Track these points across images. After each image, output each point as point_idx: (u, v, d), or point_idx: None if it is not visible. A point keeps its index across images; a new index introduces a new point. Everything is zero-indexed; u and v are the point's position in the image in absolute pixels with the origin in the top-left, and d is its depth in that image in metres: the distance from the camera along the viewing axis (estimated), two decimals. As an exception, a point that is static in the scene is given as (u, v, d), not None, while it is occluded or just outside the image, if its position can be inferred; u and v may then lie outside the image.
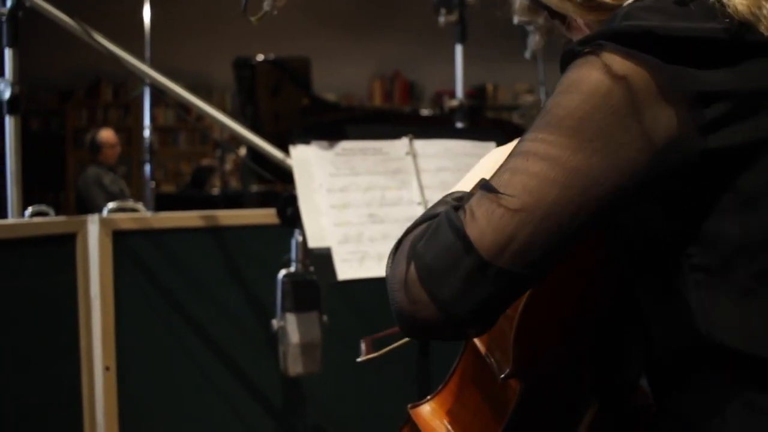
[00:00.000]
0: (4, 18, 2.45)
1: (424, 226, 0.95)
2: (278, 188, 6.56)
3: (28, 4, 2.51)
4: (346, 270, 1.97)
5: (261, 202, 6.36)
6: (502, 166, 0.94)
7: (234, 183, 9.04)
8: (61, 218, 2.60)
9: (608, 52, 0.92)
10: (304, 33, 7.67)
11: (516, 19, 2.30)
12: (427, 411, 1.33)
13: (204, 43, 9.04)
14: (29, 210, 2.55)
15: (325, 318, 2.24)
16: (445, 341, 0.98)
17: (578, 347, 1.22)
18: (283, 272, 2.23)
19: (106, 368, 2.58)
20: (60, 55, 8.76)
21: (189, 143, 10.41)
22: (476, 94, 10.24)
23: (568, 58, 0.97)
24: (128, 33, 2.36)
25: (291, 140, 2.02)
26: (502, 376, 1.15)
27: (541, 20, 2.21)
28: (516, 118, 10.14)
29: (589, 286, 1.17)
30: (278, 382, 2.83)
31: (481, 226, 0.89)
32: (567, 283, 1.13)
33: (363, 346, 1.58)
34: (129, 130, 9.74)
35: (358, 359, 1.56)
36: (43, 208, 2.58)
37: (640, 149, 0.90)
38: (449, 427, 1.30)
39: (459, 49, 3.52)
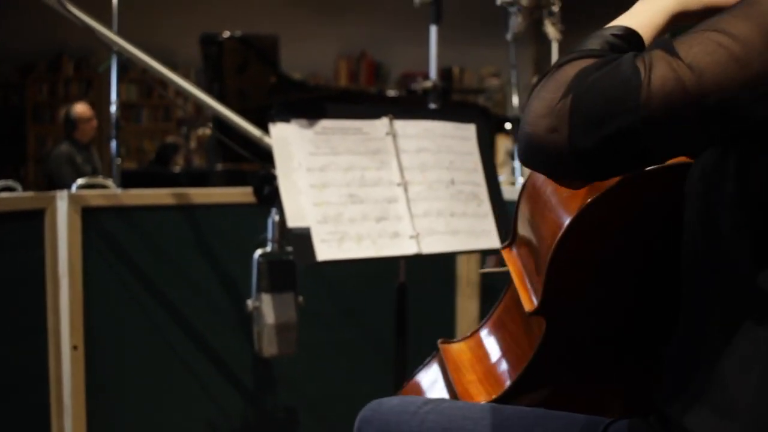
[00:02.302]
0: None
1: (597, 61, 0.92)
2: (244, 167, 6.51)
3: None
4: (325, 251, 1.94)
5: (226, 180, 6.30)
6: (689, 33, 0.91)
7: (197, 161, 8.95)
8: (29, 194, 2.55)
9: None
10: (270, 11, 7.61)
11: (499, 0, 2.29)
12: (456, 348, 1.38)
13: (170, 19, 8.93)
14: (-4, 185, 2.50)
15: (300, 299, 2.22)
16: (553, 178, 0.99)
17: (612, 299, 1.21)
18: (258, 252, 2.20)
19: (74, 347, 2.53)
20: (21, 28, 8.61)
21: (152, 120, 10.28)
22: (443, 76, 10.21)
23: None
24: (94, 7, 2.30)
25: (270, 118, 1.99)
26: (531, 309, 1.15)
27: (525, 2, 2.20)
28: (482, 101, 10.17)
29: (633, 229, 1.16)
30: (250, 362, 2.80)
31: (653, 90, 0.87)
32: (608, 225, 1.12)
33: (489, 262, 1.61)
34: (91, 105, 9.57)
35: (481, 270, 1.59)
36: (10, 183, 2.53)
37: None
38: (474, 366, 1.32)
39: (434, 30, 3.48)
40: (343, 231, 1.98)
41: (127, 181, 4.27)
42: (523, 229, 1.24)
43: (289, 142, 2.00)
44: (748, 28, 0.88)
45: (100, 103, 9.29)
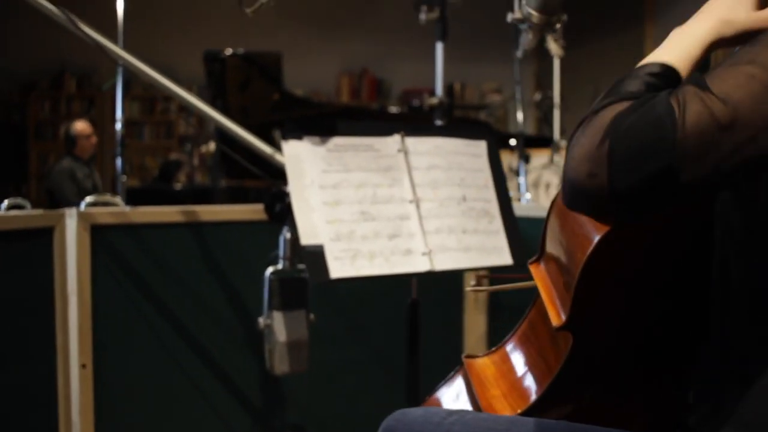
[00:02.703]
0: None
1: (633, 103, 0.94)
2: (247, 184, 6.51)
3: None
4: (338, 268, 1.94)
5: (230, 197, 6.30)
6: (721, 67, 0.93)
7: (200, 177, 8.95)
8: (38, 212, 2.54)
9: None
10: (272, 29, 7.62)
11: (510, 18, 2.30)
12: (480, 363, 1.37)
13: (173, 36, 8.97)
14: (5, 203, 2.49)
15: (311, 316, 2.21)
16: (598, 220, 1.03)
17: (640, 315, 1.21)
18: (270, 269, 2.19)
19: (83, 366, 2.52)
20: (23, 46, 8.64)
21: (154, 137, 10.29)
22: (446, 92, 10.24)
23: None
24: (99, 25, 2.30)
25: (282, 135, 1.99)
26: (559, 325, 1.15)
27: (535, 19, 2.20)
28: (484, 117, 10.18)
29: (662, 245, 1.16)
30: (259, 381, 2.79)
31: (688, 127, 0.89)
32: (639, 241, 1.12)
33: (475, 280, 1.61)
34: (93, 123, 9.59)
35: (468, 288, 1.58)
36: (20, 201, 2.52)
37: None
38: (498, 381, 1.32)
39: (440, 47, 3.50)
40: (356, 248, 1.97)
41: (131, 198, 4.28)
42: (552, 245, 1.24)
43: (302, 160, 2.00)
44: None
45: (102, 121, 9.31)
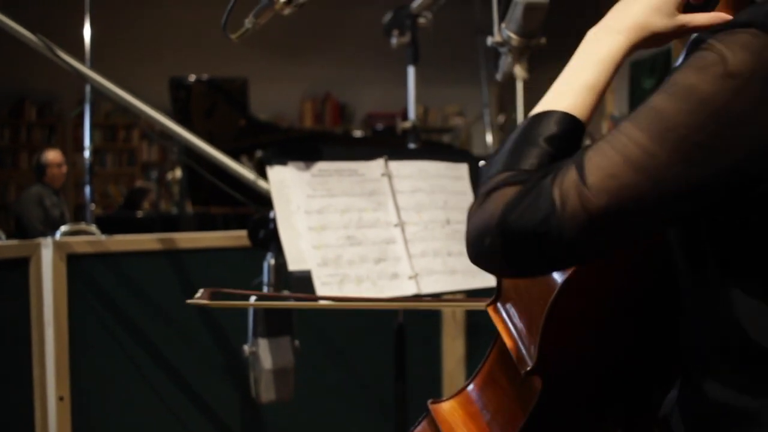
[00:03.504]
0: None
1: (521, 190, 0.96)
2: (213, 210, 6.47)
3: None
4: (326, 293, 1.93)
5: (197, 224, 6.25)
6: (605, 142, 0.95)
7: (163, 205, 8.88)
8: (13, 242, 2.51)
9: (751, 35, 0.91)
10: (235, 54, 7.60)
11: (489, 41, 2.31)
12: (447, 408, 1.33)
13: (138, 63, 8.91)
14: (-21, 234, 2.45)
15: (297, 343, 2.19)
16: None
17: (608, 352, 1.20)
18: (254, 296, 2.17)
19: (60, 398, 2.47)
20: (-18, 74, 8.54)
21: (116, 165, 10.20)
22: (405, 116, 10.27)
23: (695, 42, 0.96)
24: (65, 52, 2.27)
25: (268, 161, 1.98)
26: (526, 370, 1.13)
27: (515, 42, 2.22)
28: (447, 140, 10.24)
29: (626, 286, 1.16)
30: (241, 409, 2.76)
31: (567, 225, 0.92)
32: (602, 279, 1.12)
33: (201, 293, 1.58)
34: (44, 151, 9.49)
35: (189, 300, 1.55)
36: (-6, 231, 2.48)
37: None
38: (467, 425, 1.29)
39: (411, 71, 3.50)
40: (343, 273, 1.97)
41: (98, 227, 4.23)
42: (510, 288, 1.23)
43: (287, 185, 1.99)
44: (649, 139, 0.92)
45: (63, 149, 9.20)
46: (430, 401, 1.35)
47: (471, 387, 1.33)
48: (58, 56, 2.13)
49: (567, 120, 1.01)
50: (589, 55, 1.06)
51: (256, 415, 2.77)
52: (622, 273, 1.14)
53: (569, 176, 0.93)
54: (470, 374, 1.37)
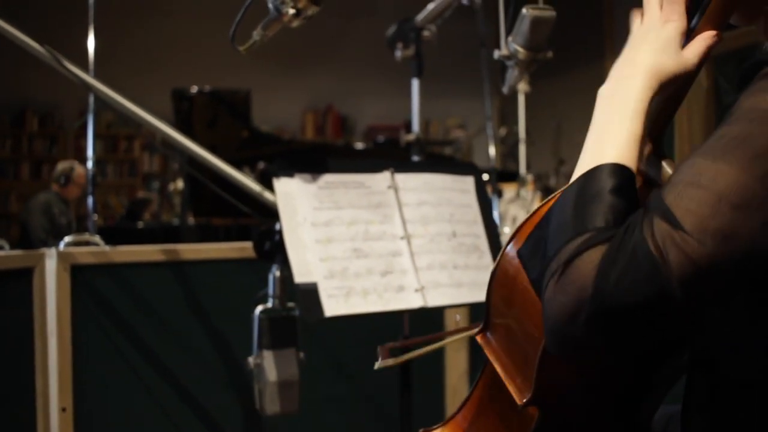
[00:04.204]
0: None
1: (609, 250, 0.88)
2: (215, 222, 6.47)
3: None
4: (332, 306, 1.92)
5: (198, 235, 6.25)
6: (684, 185, 0.88)
7: (164, 215, 8.88)
8: (18, 252, 2.50)
9: None
10: (238, 66, 7.61)
11: (496, 55, 2.32)
12: None
13: (141, 74, 8.92)
14: (-17, 244, 2.44)
15: (302, 355, 2.19)
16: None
17: (605, 381, 1.19)
18: (260, 308, 2.17)
19: (63, 409, 2.47)
20: (-16, 84, 8.56)
21: (117, 175, 10.21)
22: (408, 128, 10.28)
23: (755, 68, 0.92)
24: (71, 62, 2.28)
25: (274, 173, 1.98)
26: (523, 401, 1.11)
27: (522, 55, 2.22)
28: (449, 153, 10.25)
29: None
30: (244, 421, 2.75)
31: (676, 281, 0.85)
32: None
33: (379, 352, 1.54)
34: (55, 161, 9.50)
35: (376, 366, 1.51)
36: (-2, 241, 2.48)
37: None
38: None
39: (416, 84, 3.50)
40: (350, 286, 1.96)
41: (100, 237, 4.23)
42: (500, 316, 1.19)
43: (294, 197, 1.99)
44: (740, 170, 0.86)
45: (65, 159, 9.20)
46: (421, 430, 1.33)
47: (461, 415, 1.31)
48: (65, 67, 2.13)
49: (620, 169, 0.96)
50: (614, 107, 1.01)
51: (260, 427, 2.76)
52: None
53: (659, 227, 0.86)
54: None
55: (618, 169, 0.96)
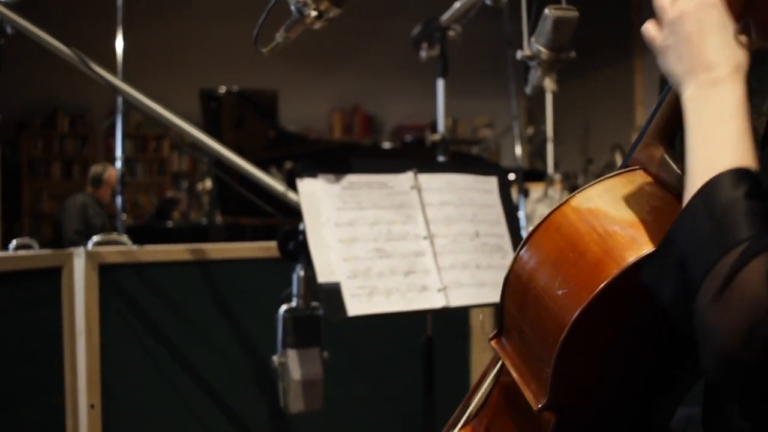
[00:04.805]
0: (-16, 46, 2.40)
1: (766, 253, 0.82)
2: (243, 221, 6.51)
3: (9, 31, 2.45)
4: (355, 305, 1.94)
5: (227, 234, 6.30)
6: None
7: (193, 215, 8.95)
8: (47, 251, 2.54)
9: None
10: (265, 66, 7.66)
11: (519, 55, 2.32)
12: None
13: (169, 74, 9.00)
14: (13, 243, 2.48)
15: (325, 354, 2.20)
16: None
17: (622, 384, 1.19)
18: (284, 307, 2.19)
19: (91, 406, 2.50)
20: (16, 85, 8.65)
21: (147, 174, 10.30)
22: (435, 128, 10.28)
23: None
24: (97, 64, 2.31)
25: (298, 174, 1.99)
26: (539, 407, 1.11)
27: (544, 56, 2.22)
28: (476, 152, 10.24)
29: (644, 323, 1.13)
30: (269, 419, 2.77)
31: None
32: (616, 311, 1.07)
33: None
34: (85, 161, 9.62)
35: None
36: (27, 240, 2.51)
37: None
38: None
39: (441, 84, 3.51)
40: (373, 285, 1.98)
41: (129, 236, 4.28)
42: (514, 321, 1.18)
43: (317, 197, 2.00)
44: None
45: (95, 159, 9.31)
46: None
47: (478, 419, 1.31)
48: (91, 69, 2.16)
49: (743, 172, 0.90)
50: (716, 113, 0.95)
51: (284, 425, 2.79)
52: (637, 303, 1.08)
53: None
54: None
55: (743, 173, 0.90)
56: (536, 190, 5.68)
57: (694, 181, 0.93)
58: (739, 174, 0.90)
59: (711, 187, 0.90)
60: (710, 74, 0.97)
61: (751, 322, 0.81)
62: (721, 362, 0.84)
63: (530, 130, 7.81)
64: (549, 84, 4.73)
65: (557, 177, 6.14)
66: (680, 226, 0.92)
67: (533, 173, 6.81)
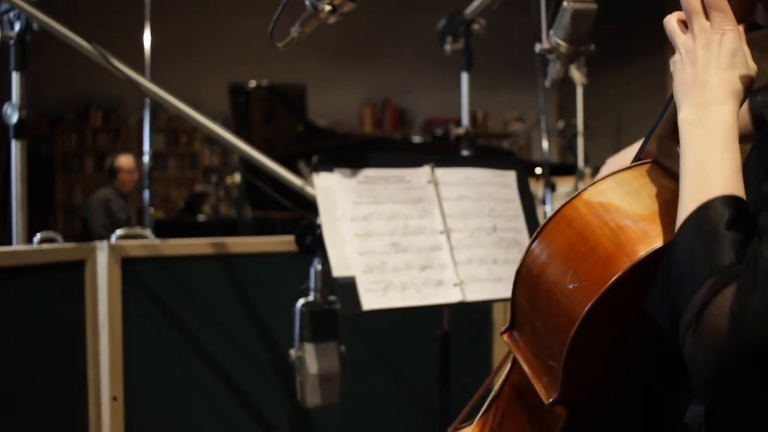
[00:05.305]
0: (12, 42, 2.43)
1: (733, 292, 0.83)
2: (272, 215, 6.54)
3: (36, 27, 2.48)
4: (370, 300, 1.94)
5: (256, 228, 6.33)
6: None
7: (224, 209, 9.00)
8: (70, 245, 2.56)
9: None
10: (295, 60, 7.69)
11: (538, 48, 2.31)
12: None
13: (198, 69, 9.05)
14: (37, 237, 2.51)
15: (342, 348, 2.21)
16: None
17: (633, 378, 1.18)
18: (301, 301, 2.19)
19: (114, 398, 2.52)
20: (50, 80, 8.76)
21: (178, 169, 10.38)
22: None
23: None
24: (126, 60, 2.32)
25: (314, 168, 2.00)
26: (550, 401, 1.11)
27: (563, 49, 2.21)
28: (507, 146, 10.20)
29: None
30: (288, 412, 2.78)
31: None
32: (626, 306, 1.07)
33: None
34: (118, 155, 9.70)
35: None
36: (51, 234, 2.54)
37: None
38: None
39: (465, 77, 3.50)
40: (388, 280, 1.98)
41: (158, 230, 4.32)
42: (525, 315, 1.19)
43: (333, 192, 2.01)
44: None
45: (128, 153, 9.39)
46: (449, 429, 1.33)
47: (490, 413, 1.31)
48: (112, 64, 2.18)
49: (731, 199, 0.91)
50: (708, 139, 0.97)
51: (301, 418, 2.80)
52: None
53: None
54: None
55: (729, 199, 0.91)
56: (566, 184, 5.64)
57: (684, 208, 0.95)
58: (725, 201, 0.91)
59: (699, 214, 0.92)
60: (705, 98, 1.00)
61: (720, 357, 0.82)
62: (704, 389, 0.86)
63: (561, 124, 7.76)
64: (579, 77, 4.70)
65: (588, 171, 6.10)
66: (670, 254, 0.95)
67: (564, 167, 6.76)
